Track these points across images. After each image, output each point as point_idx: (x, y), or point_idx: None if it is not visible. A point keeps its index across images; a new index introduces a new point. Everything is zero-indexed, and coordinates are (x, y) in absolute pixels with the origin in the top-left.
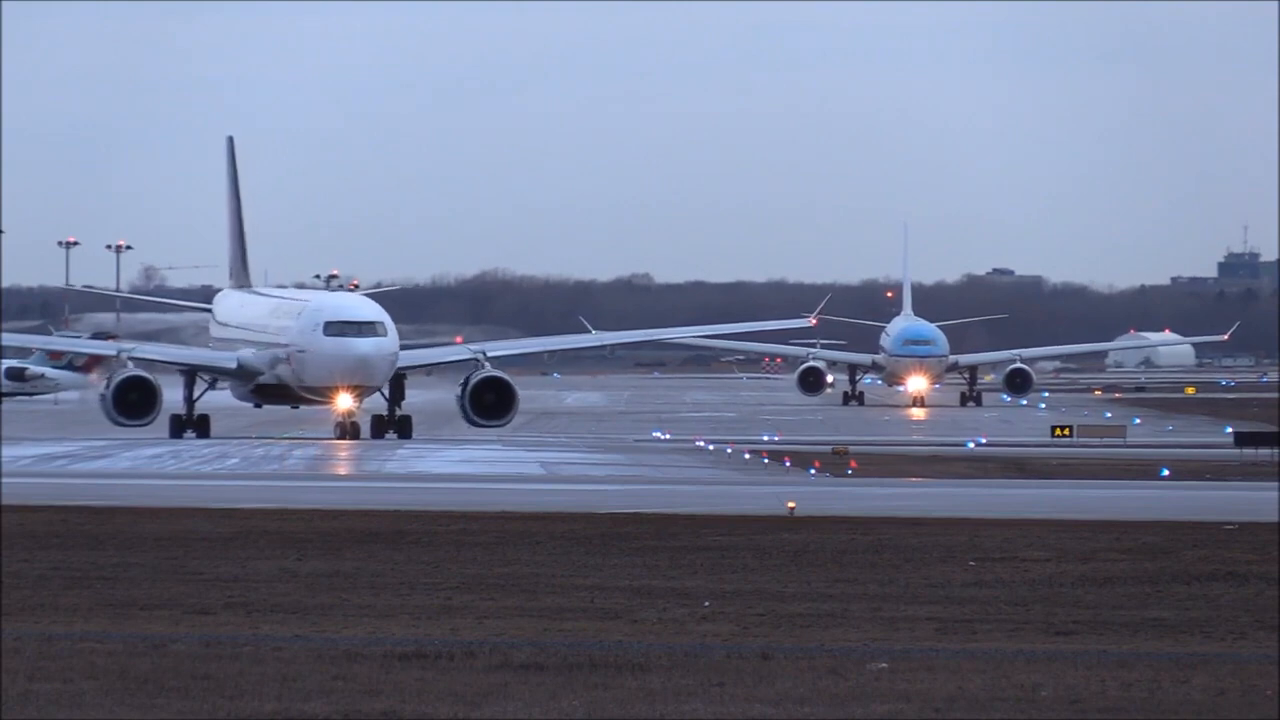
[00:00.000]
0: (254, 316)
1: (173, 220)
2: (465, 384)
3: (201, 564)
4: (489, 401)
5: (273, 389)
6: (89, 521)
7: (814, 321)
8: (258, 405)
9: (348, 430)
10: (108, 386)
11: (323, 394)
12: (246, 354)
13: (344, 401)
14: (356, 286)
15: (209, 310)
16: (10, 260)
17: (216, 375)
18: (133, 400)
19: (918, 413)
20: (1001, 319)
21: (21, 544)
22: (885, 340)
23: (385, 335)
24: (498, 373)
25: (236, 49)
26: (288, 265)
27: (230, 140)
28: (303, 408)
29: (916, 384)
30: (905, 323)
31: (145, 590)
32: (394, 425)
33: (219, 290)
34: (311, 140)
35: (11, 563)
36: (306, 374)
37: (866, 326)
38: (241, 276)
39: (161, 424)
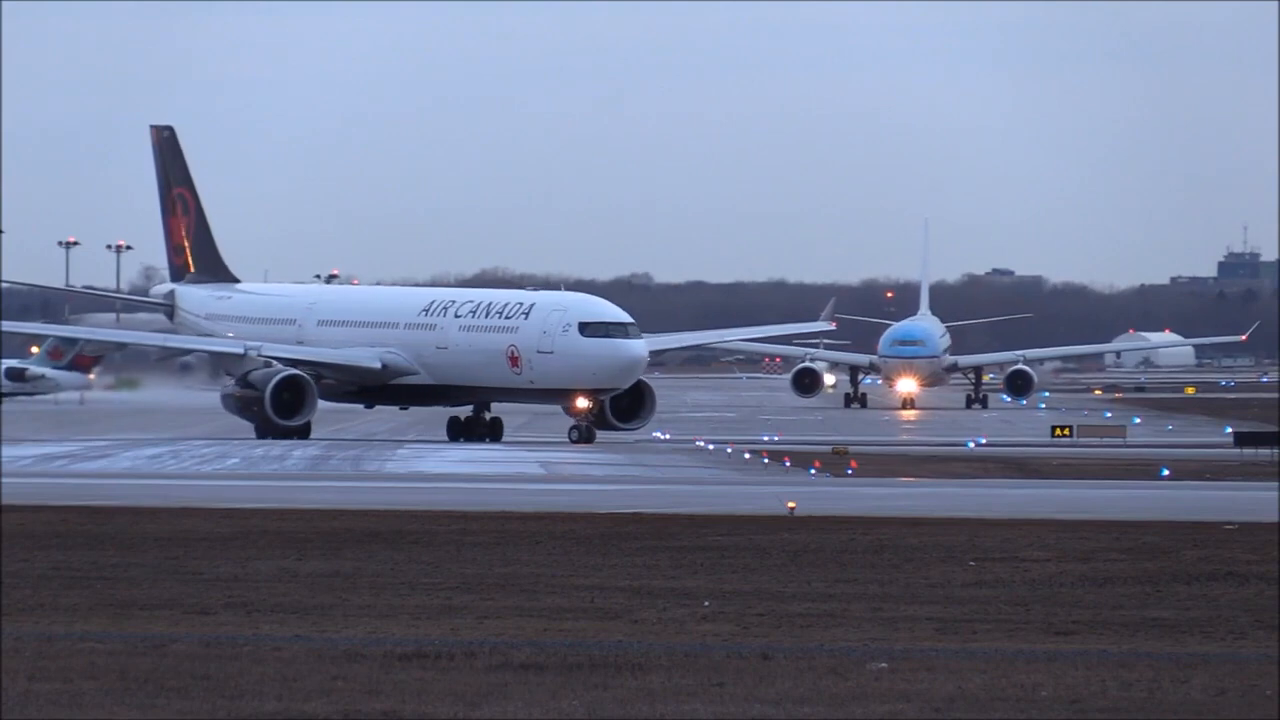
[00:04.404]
0: (372, 313)
1: None
2: None
3: (201, 564)
4: (624, 405)
5: (390, 390)
6: (89, 521)
7: (834, 324)
8: (369, 406)
9: (584, 434)
10: (250, 386)
11: (562, 397)
12: (386, 353)
13: (583, 403)
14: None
15: (155, 306)
16: (10, 260)
17: (350, 377)
18: (286, 400)
19: (908, 414)
20: (1026, 318)
21: (21, 544)
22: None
23: (641, 336)
24: None
25: (236, 49)
26: (288, 263)
27: (172, 130)
28: (411, 409)
29: (906, 385)
30: (901, 323)
31: (145, 590)
32: (486, 428)
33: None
34: (311, 139)
35: (11, 563)
36: (545, 376)
37: (881, 326)
38: (218, 270)
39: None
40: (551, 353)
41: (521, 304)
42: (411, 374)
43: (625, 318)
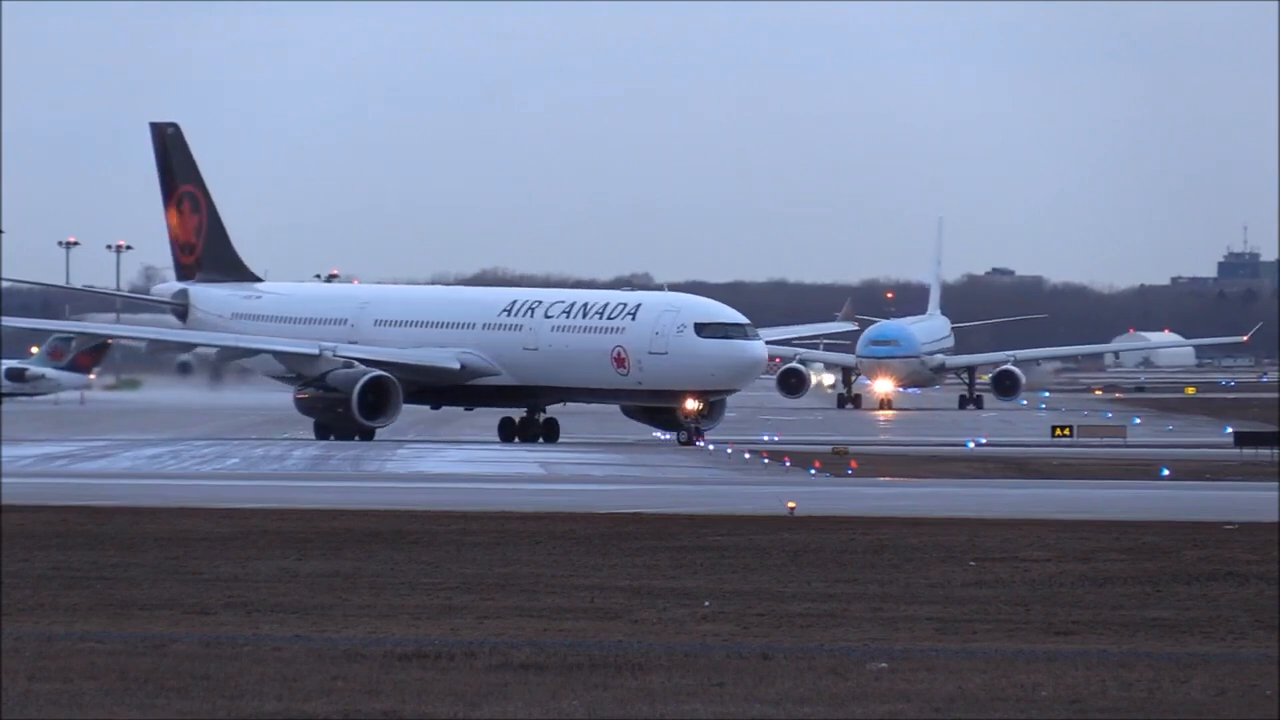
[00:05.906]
0: (441, 313)
1: None
2: None
3: (201, 564)
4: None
5: (467, 390)
6: (89, 521)
7: (856, 323)
8: (435, 407)
9: (692, 435)
10: (331, 388)
11: (672, 398)
12: (463, 354)
13: (693, 404)
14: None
15: (163, 305)
16: (10, 260)
17: (426, 378)
18: (370, 402)
19: (885, 414)
20: (1036, 319)
21: (21, 544)
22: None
23: (759, 336)
24: None
25: (236, 48)
26: (288, 263)
27: (177, 127)
28: (475, 409)
29: (882, 385)
30: (880, 323)
31: (145, 590)
32: (540, 429)
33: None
34: (312, 139)
35: (11, 563)
36: (656, 377)
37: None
38: (234, 269)
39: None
40: (665, 354)
41: (625, 304)
42: (492, 375)
43: (742, 318)
